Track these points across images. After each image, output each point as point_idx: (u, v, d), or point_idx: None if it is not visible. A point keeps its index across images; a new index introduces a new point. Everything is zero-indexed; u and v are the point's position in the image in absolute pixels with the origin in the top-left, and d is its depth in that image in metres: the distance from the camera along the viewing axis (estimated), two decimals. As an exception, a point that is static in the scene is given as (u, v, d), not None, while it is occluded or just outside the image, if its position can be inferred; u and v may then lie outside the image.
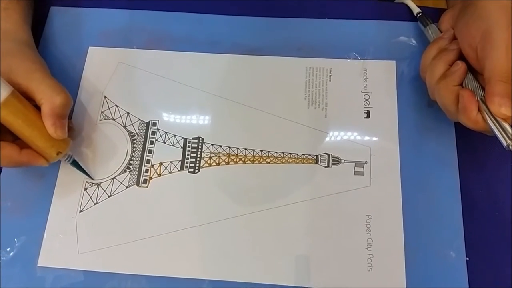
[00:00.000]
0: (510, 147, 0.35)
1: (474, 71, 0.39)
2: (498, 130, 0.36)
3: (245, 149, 0.44)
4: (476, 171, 0.43)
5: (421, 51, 0.46)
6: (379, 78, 0.46)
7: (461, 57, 0.40)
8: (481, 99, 0.37)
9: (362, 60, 0.47)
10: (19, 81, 0.39)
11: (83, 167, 0.43)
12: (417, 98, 0.46)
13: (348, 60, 0.47)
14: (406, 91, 0.46)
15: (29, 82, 0.39)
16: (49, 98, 0.39)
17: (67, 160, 0.42)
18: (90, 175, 0.44)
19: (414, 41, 0.48)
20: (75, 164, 0.43)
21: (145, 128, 0.46)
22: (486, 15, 0.37)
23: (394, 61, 0.47)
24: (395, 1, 0.51)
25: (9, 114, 0.37)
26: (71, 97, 0.41)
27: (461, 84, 0.39)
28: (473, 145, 0.44)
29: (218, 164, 0.44)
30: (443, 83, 0.39)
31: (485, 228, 0.41)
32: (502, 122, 0.36)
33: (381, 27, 0.49)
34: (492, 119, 0.36)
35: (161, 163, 0.44)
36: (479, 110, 0.37)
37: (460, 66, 0.38)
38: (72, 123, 0.44)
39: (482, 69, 0.37)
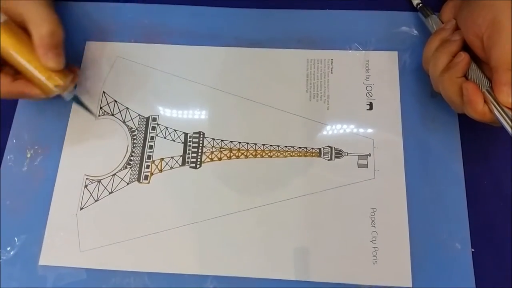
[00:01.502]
0: None
1: (478, 61, 0.38)
2: (506, 120, 0.35)
3: (247, 143, 0.44)
4: (480, 161, 0.43)
5: (423, 41, 0.45)
6: (381, 69, 0.46)
7: (464, 47, 0.39)
8: (487, 90, 0.36)
9: (363, 51, 0.47)
10: (11, 6, 0.38)
11: (84, 104, 0.43)
12: (420, 88, 0.45)
13: (350, 51, 0.47)
14: (408, 82, 0.45)
15: (21, 10, 0.38)
16: (37, 27, 0.38)
17: (68, 96, 0.41)
18: (93, 112, 0.44)
19: (415, 31, 0.47)
20: (75, 99, 0.42)
21: (145, 123, 0.45)
22: (491, 3, 0.36)
23: (396, 52, 0.47)
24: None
25: (3, 43, 0.37)
26: (59, 24, 0.39)
27: (466, 75, 0.38)
28: (477, 135, 0.43)
29: (220, 159, 0.44)
30: (446, 75, 0.38)
31: (490, 219, 0.41)
32: (510, 112, 0.35)
33: (382, 18, 0.48)
34: (499, 109, 0.35)
35: (162, 159, 0.44)
36: (485, 101, 0.36)
37: (463, 57, 0.38)
38: (75, 68, 0.43)
39: (489, 59, 0.36)
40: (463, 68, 0.38)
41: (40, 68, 0.38)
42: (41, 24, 0.38)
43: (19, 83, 0.39)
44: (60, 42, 0.40)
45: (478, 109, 0.36)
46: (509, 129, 0.35)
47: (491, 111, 0.36)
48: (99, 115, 0.45)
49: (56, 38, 0.39)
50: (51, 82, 0.39)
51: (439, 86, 0.40)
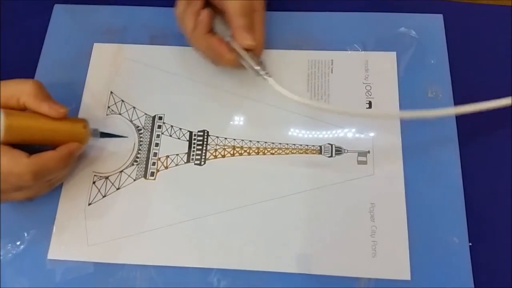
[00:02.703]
0: (262, 75, 0.41)
1: (224, 14, 0.42)
2: (249, 60, 0.41)
3: (250, 141, 0.45)
4: (478, 157, 0.44)
5: (421, 42, 0.47)
6: (380, 69, 0.47)
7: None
8: (229, 37, 0.41)
9: (363, 52, 0.48)
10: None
11: (112, 133, 0.45)
12: (418, 87, 0.46)
13: (350, 52, 0.48)
14: (407, 81, 0.47)
15: (5, 93, 0.38)
16: (23, 93, 0.38)
17: (95, 135, 0.43)
18: (124, 136, 0.46)
19: (414, 32, 0.49)
20: (104, 134, 0.44)
21: (151, 122, 0.46)
22: None
23: (395, 52, 0.48)
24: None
25: (18, 133, 0.37)
26: (36, 80, 0.39)
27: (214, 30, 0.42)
28: (474, 131, 0.45)
29: (223, 156, 0.45)
30: (194, 34, 0.42)
31: (487, 214, 0.42)
32: (251, 53, 0.41)
33: (381, 19, 0.49)
34: (243, 53, 0.41)
35: (167, 156, 0.45)
36: (232, 49, 0.41)
37: (204, 14, 0.41)
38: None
39: (225, 9, 0.40)
40: (206, 24, 0.42)
41: (61, 123, 0.39)
42: (26, 88, 0.38)
43: (60, 148, 0.39)
44: (45, 91, 0.40)
45: (226, 57, 0.42)
46: (253, 71, 0.41)
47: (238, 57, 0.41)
48: (106, 114, 0.47)
49: (43, 89, 0.39)
50: (80, 125, 0.41)
51: (193, 46, 0.44)
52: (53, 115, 0.39)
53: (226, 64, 0.43)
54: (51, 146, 0.39)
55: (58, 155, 0.39)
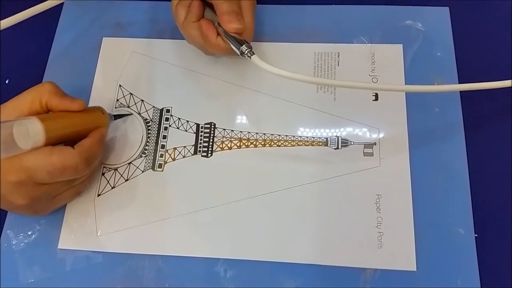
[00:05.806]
0: (245, 53, 0.40)
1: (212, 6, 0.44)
2: (234, 44, 0.41)
3: (256, 133, 0.46)
4: (484, 149, 0.44)
5: (427, 35, 0.47)
6: (387, 61, 0.47)
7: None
8: (218, 23, 0.42)
9: (369, 44, 0.48)
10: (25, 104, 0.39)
11: (122, 114, 0.47)
12: (424, 80, 0.46)
13: (356, 44, 0.48)
14: (413, 74, 0.47)
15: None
16: (43, 93, 0.39)
17: (111, 118, 0.45)
18: (130, 113, 0.47)
19: (420, 25, 0.49)
20: (118, 116, 0.47)
21: (159, 114, 0.47)
22: None
23: (401, 45, 0.48)
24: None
25: (55, 134, 0.38)
26: (51, 82, 0.40)
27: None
28: (480, 123, 0.45)
29: (230, 148, 0.45)
30: (185, 23, 0.44)
31: (493, 206, 0.42)
32: (236, 36, 0.41)
33: (387, 12, 0.49)
34: (228, 37, 0.41)
35: (175, 148, 0.45)
36: (219, 34, 0.42)
37: (195, 4, 0.43)
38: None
39: None
40: (196, 12, 0.43)
41: (83, 113, 0.41)
42: (43, 90, 0.39)
43: (91, 135, 0.41)
44: (61, 90, 0.41)
45: (212, 41, 0.42)
46: (237, 51, 0.41)
47: (224, 41, 0.42)
48: (115, 107, 0.48)
49: (58, 89, 0.40)
50: (99, 111, 0.43)
51: (185, 35, 0.45)
52: (75, 108, 0.40)
53: (216, 50, 0.43)
54: (80, 138, 0.40)
55: (95, 139, 0.41)
